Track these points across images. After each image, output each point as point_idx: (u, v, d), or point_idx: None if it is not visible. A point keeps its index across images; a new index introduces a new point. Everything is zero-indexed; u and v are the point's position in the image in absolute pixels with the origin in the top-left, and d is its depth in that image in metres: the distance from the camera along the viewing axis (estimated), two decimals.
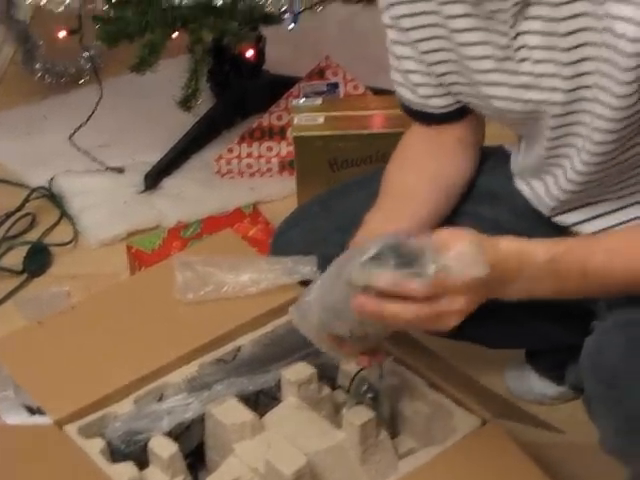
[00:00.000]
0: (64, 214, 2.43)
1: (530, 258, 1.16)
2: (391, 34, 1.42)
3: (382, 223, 1.37)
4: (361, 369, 1.33)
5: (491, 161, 1.55)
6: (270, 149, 2.50)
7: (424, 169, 1.47)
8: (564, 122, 1.29)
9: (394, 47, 1.43)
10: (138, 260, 2.10)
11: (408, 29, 1.39)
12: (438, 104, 1.45)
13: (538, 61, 1.26)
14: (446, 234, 1.12)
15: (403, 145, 1.52)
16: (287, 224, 1.63)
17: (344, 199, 1.60)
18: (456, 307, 1.12)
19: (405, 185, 1.46)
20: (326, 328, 1.23)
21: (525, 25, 1.24)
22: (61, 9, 2.24)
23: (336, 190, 1.65)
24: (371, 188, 1.47)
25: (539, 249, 1.16)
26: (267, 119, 2.56)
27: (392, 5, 1.39)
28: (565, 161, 1.35)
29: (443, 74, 1.40)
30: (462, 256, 1.09)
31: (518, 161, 1.49)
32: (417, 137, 1.51)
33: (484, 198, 1.53)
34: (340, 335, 1.23)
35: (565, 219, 1.44)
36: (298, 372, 1.38)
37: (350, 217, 1.41)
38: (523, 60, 1.27)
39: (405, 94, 1.47)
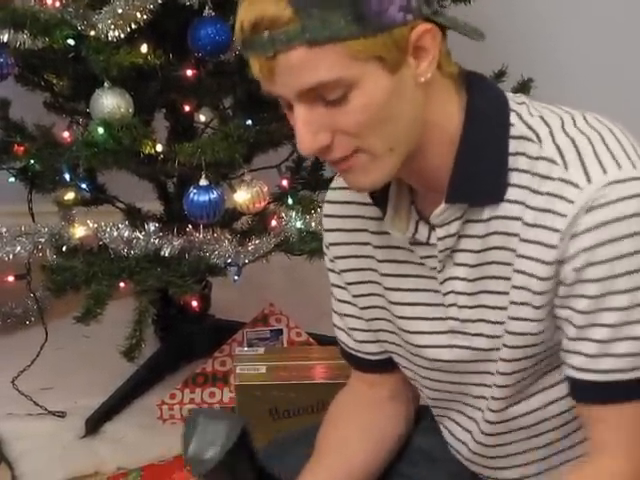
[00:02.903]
0: (3, 458, 2.40)
1: None
2: (331, 277, 1.47)
3: None
4: None
5: (427, 421, 1.55)
6: (213, 395, 2.52)
7: (355, 422, 1.49)
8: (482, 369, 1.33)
9: (333, 290, 1.47)
10: None
11: (343, 271, 1.43)
12: (371, 350, 1.48)
13: (463, 306, 1.30)
14: None
15: (338, 400, 1.55)
16: None
17: (283, 457, 1.60)
18: None
19: (336, 438, 1.48)
20: None
21: (452, 271, 1.29)
22: (10, 257, 2.28)
23: (276, 445, 1.65)
24: (309, 445, 1.48)
25: None
26: (210, 365, 2.59)
27: (331, 245, 1.44)
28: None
29: (372, 319, 1.43)
30: None
31: None
32: (351, 392, 1.54)
33: (420, 460, 1.53)
34: None
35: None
36: None
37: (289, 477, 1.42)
38: (451, 305, 1.31)
39: (342, 337, 1.50)
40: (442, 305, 1.32)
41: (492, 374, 1.31)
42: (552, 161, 1.18)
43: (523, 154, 1.21)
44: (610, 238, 1.14)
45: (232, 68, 2.22)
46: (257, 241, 2.29)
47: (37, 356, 2.59)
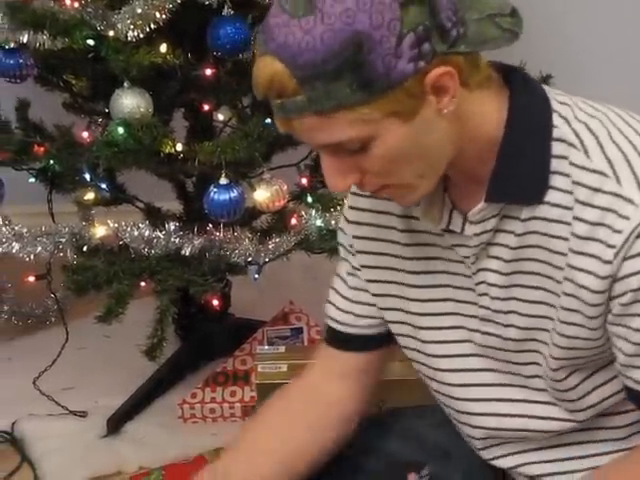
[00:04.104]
0: (25, 459, 2.41)
1: None
2: (342, 251, 1.46)
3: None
4: None
5: (440, 414, 1.52)
6: (234, 394, 2.52)
7: (304, 416, 1.50)
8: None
9: (342, 264, 1.47)
10: None
11: (360, 252, 1.42)
12: (360, 323, 1.46)
13: (495, 298, 1.30)
14: None
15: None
16: None
17: None
18: None
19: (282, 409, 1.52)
20: None
21: (486, 262, 1.29)
22: (31, 257, 2.29)
23: None
24: None
25: None
26: (231, 364, 2.59)
27: (352, 223, 1.42)
28: None
29: (385, 309, 1.42)
30: None
31: None
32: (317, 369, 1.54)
33: (436, 455, 1.52)
34: None
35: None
36: None
37: None
38: (483, 294, 1.31)
39: (332, 313, 1.50)
40: (472, 290, 1.32)
41: (538, 364, 1.32)
42: (603, 174, 1.17)
43: (566, 158, 1.19)
44: None
45: (251, 67, 2.21)
46: (277, 239, 2.29)
47: (58, 356, 2.59)
